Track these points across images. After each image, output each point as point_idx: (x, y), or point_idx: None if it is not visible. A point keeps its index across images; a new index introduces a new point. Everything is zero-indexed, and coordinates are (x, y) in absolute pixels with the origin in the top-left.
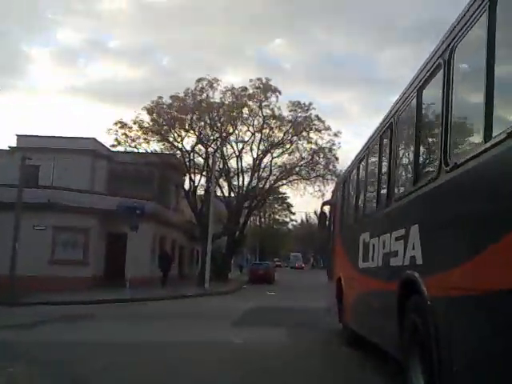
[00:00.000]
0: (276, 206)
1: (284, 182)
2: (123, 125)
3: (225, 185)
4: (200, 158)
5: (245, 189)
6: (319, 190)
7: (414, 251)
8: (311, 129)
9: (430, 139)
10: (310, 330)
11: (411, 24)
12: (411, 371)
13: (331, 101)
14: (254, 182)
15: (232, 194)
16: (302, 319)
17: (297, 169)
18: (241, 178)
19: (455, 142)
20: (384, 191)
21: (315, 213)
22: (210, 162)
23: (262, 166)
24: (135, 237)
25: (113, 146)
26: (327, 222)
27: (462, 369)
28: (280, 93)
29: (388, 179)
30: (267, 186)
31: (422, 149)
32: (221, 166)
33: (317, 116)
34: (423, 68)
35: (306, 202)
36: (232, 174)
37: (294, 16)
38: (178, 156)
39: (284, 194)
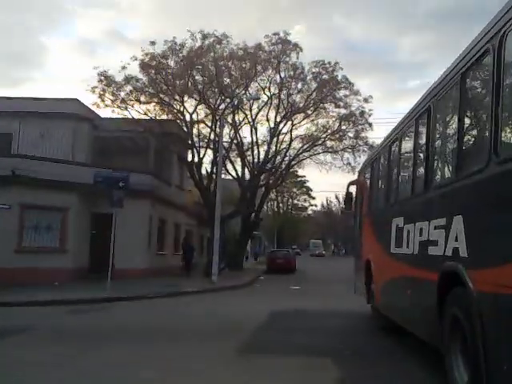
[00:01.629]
0: (295, 190)
1: (306, 155)
2: (110, 81)
3: (237, 160)
4: (207, 129)
5: (260, 163)
6: (348, 164)
7: (458, 243)
8: (338, 90)
9: (477, 127)
10: (380, 365)
11: (431, 9)
12: (453, 363)
13: None
14: (271, 154)
15: (246, 172)
16: (355, 338)
17: (321, 139)
18: (255, 152)
19: (506, 132)
20: (421, 177)
21: (336, 197)
22: (218, 129)
23: (281, 137)
24: (125, 218)
25: (95, 104)
26: (353, 203)
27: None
28: (301, 49)
29: (426, 165)
30: (286, 160)
31: (467, 136)
32: (231, 136)
33: (344, 77)
34: (468, 52)
35: (327, 183)
36: (246, 148)
37: (312, 2)
38: (180, 124)
39: (303, 176)
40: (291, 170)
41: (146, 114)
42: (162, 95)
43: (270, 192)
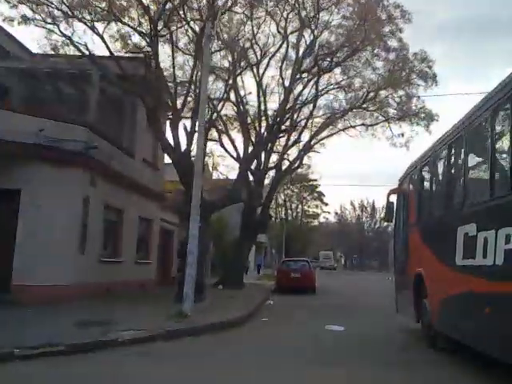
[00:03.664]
0: (305, 195)
1: (338, 126)
2: None
3: (235, 132)
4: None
5: (272, 124)
6: (401, 134)
7: None
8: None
9: None
10: None
11: None
12: None
13: None
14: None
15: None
16: None
17: (361, 100)
18: (263, 122)
19: None
20: (504, 175)
21: (351, 203)
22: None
23: (298, 91)
24: (39, 198)
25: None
26: (394, 213)
27: None
28: None
29: None
30: (308, 130)
31: None
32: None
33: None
34: None
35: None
36: (251, 114)
37: None
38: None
39: (315, 180)
40: (315, 144)
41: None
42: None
43: (283, 178)
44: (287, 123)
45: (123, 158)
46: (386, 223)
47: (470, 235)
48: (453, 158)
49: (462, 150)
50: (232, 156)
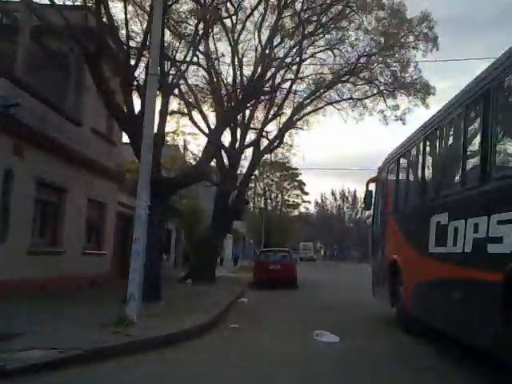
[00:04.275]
0: (286, 184)
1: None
2: None
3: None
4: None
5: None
6: (396, 106)
7: None
8: None
9: None
10: None
11: None
12: None
13: None
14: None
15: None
16: None
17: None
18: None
19: None
20: (474, 168)
21: (332, 193)
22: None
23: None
24: None
25: None
26: (373, 201)
27: None
28: None
29: (481, 157)
30: (290, 104)
31: None
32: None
33: None
34: None
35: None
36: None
37: None
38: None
39: (296, 169)
40: (297, 121)
41: None
42: None
43: (262, 157)
44: (267, 91)
45: (65, 124)
46: (367, 214)
47: (442, 224)
48: (427, 150)
49: (437, 143)
50: (203, 132)
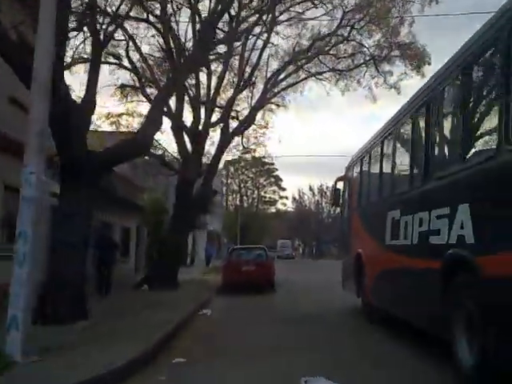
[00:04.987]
0: (262, 180)
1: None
2: None
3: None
4: None
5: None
6: (390, 72)
7: (464, 230)
8: None
9: (485, 115)
10: None
11: None
12: (459, 346)
13: None
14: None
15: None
16: None
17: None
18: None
19: None
20: (420, 169)
21: (310, 188)
22: None
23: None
24: None
25: None
26: (341, 199)
27: None
28: None
29: (425, 158)
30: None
31: (472, 124)
32: None
33: None
34: (469, 47)
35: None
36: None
37: None
38: None
39: (272, 164)
40: (272, 97)
41: None
42: None
43: (230, 140)
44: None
45: None
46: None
47: (396, 219)
48: (384, 151)
49: (391, 146)
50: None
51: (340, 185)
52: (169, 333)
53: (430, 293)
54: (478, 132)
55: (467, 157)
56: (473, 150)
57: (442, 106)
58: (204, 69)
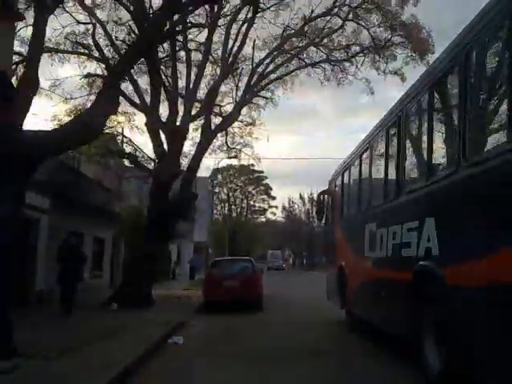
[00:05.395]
0: (251, 189)
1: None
2: None
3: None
4: None
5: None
6: (393, 57)
7: (430, 243)
8: None
9: (447, 133)
10: None
11: None
12: (427, 353)
13: None
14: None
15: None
16: None
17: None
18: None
19: (475, 139)
20: (392, 184)
21: (300, 196)
22: None
23: None
24: None
25: None
26: (325, 212)
27: (482, 356)
28: None
29: (397, 173)
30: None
31: (436, 143)
32: None
33: None
34: (435, 67)
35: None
36: None
37: None
38: None
39: (262, 172)
40: (259, 91)
41: None
42: None
43: (213, 137)
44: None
45: None
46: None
47: (373, 232)
48: (362, 165)
49: (368, 160)
50: (132, 102)
51: (324, 198)
52: (123, 370)
53: (404, 303)
54: (441, 148)
55: (431, 172)
56: (436, 165)
57: (410, 122)
58: (183, 58)
